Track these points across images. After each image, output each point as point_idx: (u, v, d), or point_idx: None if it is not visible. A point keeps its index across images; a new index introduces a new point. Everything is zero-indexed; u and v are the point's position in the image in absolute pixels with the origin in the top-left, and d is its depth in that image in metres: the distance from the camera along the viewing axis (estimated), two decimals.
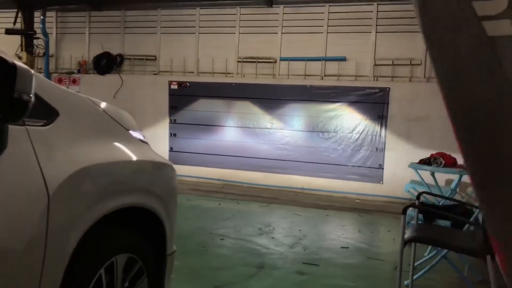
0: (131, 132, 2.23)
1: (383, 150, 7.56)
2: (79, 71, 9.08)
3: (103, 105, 2.09)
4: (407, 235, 2.99)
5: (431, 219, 3.86)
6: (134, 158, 2.13)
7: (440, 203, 4.90)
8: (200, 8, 8.39)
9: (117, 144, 2.05)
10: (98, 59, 8.88)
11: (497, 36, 1.19)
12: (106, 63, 8.84)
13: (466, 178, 5.76)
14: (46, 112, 1.68)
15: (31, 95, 1.25)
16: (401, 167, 7.29)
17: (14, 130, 1.43)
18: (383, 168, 7.59)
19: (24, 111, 1.26)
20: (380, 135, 7.55)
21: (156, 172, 2.29)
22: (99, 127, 2.00)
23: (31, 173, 1.51)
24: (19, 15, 8.33)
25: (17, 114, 1.25)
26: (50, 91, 1.74)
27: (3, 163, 1.40)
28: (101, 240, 1.88)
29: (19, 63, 1.22)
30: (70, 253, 1.65)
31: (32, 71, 1.28)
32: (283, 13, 7.96)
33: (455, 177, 5.88)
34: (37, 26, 8.59)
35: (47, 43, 8.86)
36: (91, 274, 1.82)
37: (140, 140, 2.32)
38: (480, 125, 0.92)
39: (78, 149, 1.76)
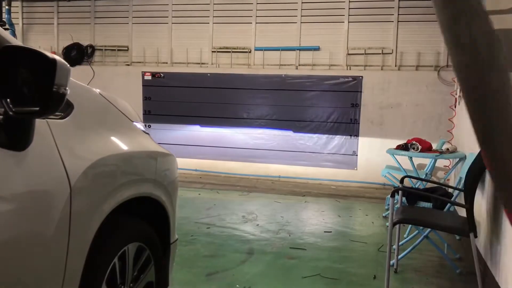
0: (135, 123, 2.27)
1: (357, 137, 7.76)
2: None
3: (109, 97, 2.12)
4: (394, 217, 3.14)
5: (414, 202, 4.05)
6: (142, 148, 2.17)
7: (417, 186, 5.12)
8: None
9: (125, 135, 2.09)
10: (68, 51, 8.66)
11: (509, 29, 1.31)
12: (77, 55, 8.64)
13: (438, 163, 6.04)
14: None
15: (67, 88, 1.28)
16: (374, 153, 7.54)
17: (37, 124, 1.45)
18: (357, 155, 7.80)
19: (60, 104, 1.29)
20: (354, 123, 7.75)
21: (160, 162, 2.33)
22: (108, 119, 2.03)
23: (54, 165, 1.54)
24: None
25: (54, 107, 1.28)
26: None
27: (30, 155, 1.42)
28: (116, 229, 1.92)
29: (58, 57, 1.25)
30: (90, 241, 1.69)
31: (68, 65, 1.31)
32: (257, 3, 8.00)
33: (427, 161, 6.13)
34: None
35: (12, 34, 8.58)
36: (107, 262, 1.86)
37: (142, 131, 2.36)
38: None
39: (93, 141, 1.80)
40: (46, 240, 1.47)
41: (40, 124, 1.49)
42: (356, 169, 7.80)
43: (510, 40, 1.32)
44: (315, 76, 7.81)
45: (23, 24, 9.02)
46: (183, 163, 8.03)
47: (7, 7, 8.42)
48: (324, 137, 7.88)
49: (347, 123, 7.77)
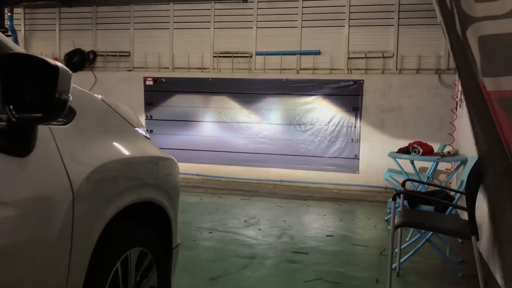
0: (136, 129, 2.28)
1: (358, 141, 7.76)
2: None
3: (111, 102, 2.13)
4: (396, 220, 3.14)
5: (415, 205, 4.05)
6: (144, 153, 2.18)
7: (419, 189, 5.12)
8: (174, 3, 8.35)
9: (127, 140, 2.10)
10: (70, 56, 8.70)
11: (504, 33, 1.32)
12: (79, 60, 8.67)
13: (440, 166, 6.03)
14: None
15: (69, 94, 1.30)
16: (375, 156, 7.53)
17: (39, 129, 1.46)
18: (358, 158, 7.80)
19: (62, 110, 1.30)
20: (355, 127, 7.76)
21: (162, 167, 2.34)
22: (110, 125, 2.04)
23: (56, 171, 1.55)
24: None
25: (56, 113, 1.30)
26: None
27: (32, 161, 1.43)
28: (118, 234, 1.92)
29: (60, 64, 1.26)
30: (93, 246, 1.69)
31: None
32: (258, 8, 8.03)
33: (428, 164, 6.13)
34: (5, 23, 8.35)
35: (15, 41, 8.63)
36: (110, 267, 1.87)
37: (144, 136, 2.37)
38: None
39: (95, 146, 1.80)
40: (48, 246, 1.47)
41: (42, 130, 1.50)
42: (358, 173, 7.80)
43: (505, 44, 1.33)
44: (316, 80, 7.83)
45: (25, 30, 9.07)
46: (184, 168, 8.04)
47: (9, 13, 8.47)
48: (325, 141, 7.88)
49: (349, 127, 7.78)
